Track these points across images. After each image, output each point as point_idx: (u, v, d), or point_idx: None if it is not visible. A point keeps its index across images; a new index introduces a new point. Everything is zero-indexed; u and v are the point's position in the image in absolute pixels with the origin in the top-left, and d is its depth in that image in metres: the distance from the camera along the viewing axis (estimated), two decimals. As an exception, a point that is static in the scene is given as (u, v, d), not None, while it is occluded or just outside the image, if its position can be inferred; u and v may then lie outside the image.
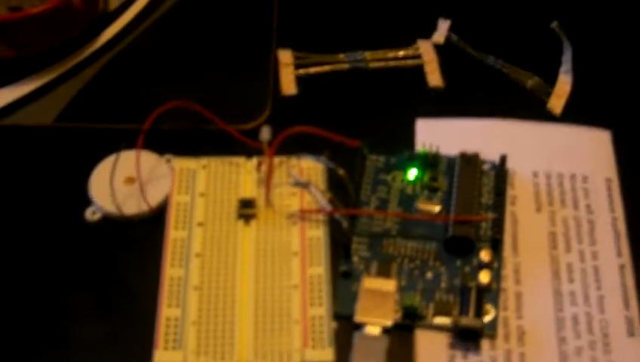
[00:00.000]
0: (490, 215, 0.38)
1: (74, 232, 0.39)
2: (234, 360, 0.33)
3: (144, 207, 0.38)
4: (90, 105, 0.43)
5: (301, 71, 0.44)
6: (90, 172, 0.40)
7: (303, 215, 0.37)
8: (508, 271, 0.37)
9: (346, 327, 0.34)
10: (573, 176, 0.40)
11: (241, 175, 0.39)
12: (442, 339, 0.35)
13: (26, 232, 0.39)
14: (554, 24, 0.46)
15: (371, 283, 0.35)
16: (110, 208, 0.38)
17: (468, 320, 0.34)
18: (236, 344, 0.33)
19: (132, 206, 0.39)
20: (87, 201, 0.39)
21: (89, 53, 0.45)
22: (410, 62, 0.45)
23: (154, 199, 0.39)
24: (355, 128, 0.41)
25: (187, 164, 0.39)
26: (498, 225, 0.37)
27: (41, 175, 0.41)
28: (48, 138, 0.42)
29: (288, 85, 0.44)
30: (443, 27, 0.46)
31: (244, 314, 0.34)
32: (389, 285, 0.35)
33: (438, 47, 0.46)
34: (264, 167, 0.38)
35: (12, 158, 0.41)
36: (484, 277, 0.36)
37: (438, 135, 0.41)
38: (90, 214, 0.39)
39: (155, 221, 0.38)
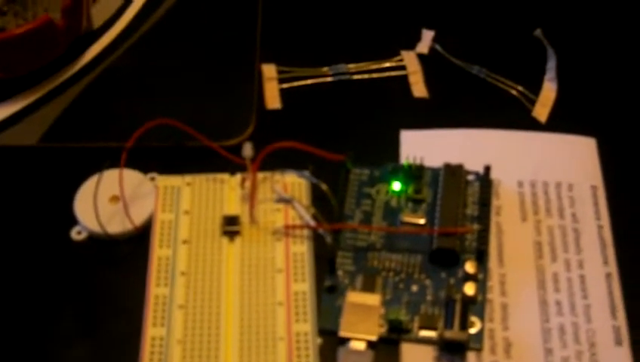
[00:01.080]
0: (476, 226, 0.38)
1: (60, 252, 0.39)
2: (219, 379, 0.33)
3: (129, 226, 0.38)
4: (74, 125, 0.43)
5: (285, 85, 0.44)
6: (76, 191, 0.40)
7: (287, 231, 0.37)
8: (493, 282, 0.37)
9: (331, 342, 0.34)
10: (558, 185, 0.40)
11: (225, 191, 0.39)
12: (428, 352, 0.35)
13: (11, 252, 0.39)
14: (537, 32, 0.46)
15: (356, 298, 0.35)
16: (95, 227, 0.38)
17: (453, 333, 0.34)
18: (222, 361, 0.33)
19: (117, 225, 0.39)
20: (73, 220, 0.39)
21: (73, 72, 0.45)
22: (394, 73, 0.45)
23: (138, 218, 0.39)
24: (339, 140, 0.42)
25: (171, 181, 0.39)
26: (483, 236, 0.37)
27: (26, 195, 0.41)
28: (33, 158, 0.42)
29: (273, 99, 0.44)
30: (427, 37, 0.46)
31: (230, 331, 0.34)
32: (374, 299, 0.35)
33: (422, 58, 0.46)
34: (248, 184, 0.38)
35: (-3, 179, 0.42)
36: (470, 289, 0.36)
37: (423, 146, 0.41)
38: (76, 234, 0.39)
39: (140, 239, 0.38)
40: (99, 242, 0.39)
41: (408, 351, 0.35)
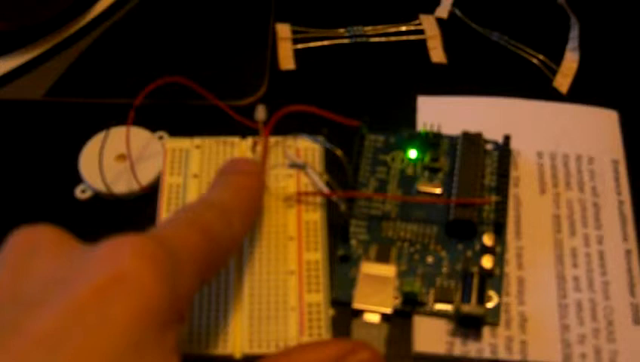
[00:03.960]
0: (494, 197, 0.37)
1: (63, 210, 0.38)
2: (228, 350, 0.32)
3: (135, 186, 0.37)
4: (81, 80, 0.42)
5: (300, 45, 0.43)
6: (81, 148, 0.38)
7: (299, 198, 0.36)
8: (510, 255, 0.36)
9: (343, 314, 0.33)
10: (578, 157, 0.39)
11: (235, 155, 0.37)
12: (441, 326, 0.34)
13: (14, 209, 0.38)
14: (561, 0, 0.45)
15: (370, 269, 0.34)
16: (100, 186, 0.37)
17: (470, 308, 0.33)
18: (230, 332, 0.32)
19: (123, 184, 0.38)
20: (77, 179, 0.38)
21: (80, 25, 0.43)
22: (412, 37, 0.44)
23: (145, 178, 0.37)
24: (354, 104, 0.40)
25: (180, 143, 0.38)
26: (502, 208, 0.36)
27: (30, 150, 0.40)
28: (38, 112, 0.41)
29: (286, 60, 0.43)
30: (446, 1, 0.45)
31: (239, 301, 0.33)
32: (389, 270, 0.34)
33: (441, 22, 0.44)
34: (259, 148, 0.37)
35: (1, 133, 0.40)
36: (487, 262, 0.35)
37: (440, 113, 0.40)
38: (80, 192, 0.38)
39: (146, 200, 0.37)
40: (104, 201, 0.38)
41: (421, 324, 0.34)
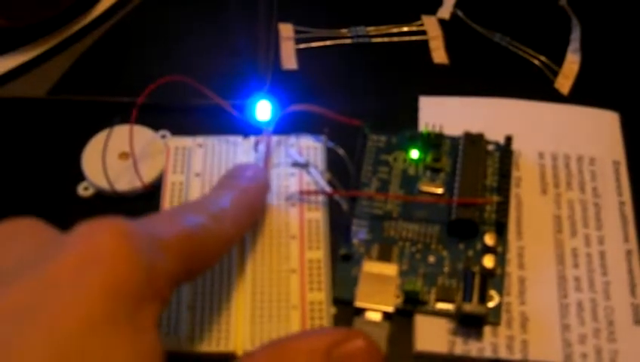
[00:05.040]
0: (495, 197, 0.37)
1: (65, 208, 0.38)
2: (230, 347, 0.32)
3: (137, 184, 0.37)
4: (84, 78, 0.42)
5: (302, 45, 0.43)
6: (84, 146, 0.39)
7: (301, 196, 0.36)
8: (511, 255, 0.36)
9: (345, 313, 0.33)
10: (580, 158, 0.39)
11: (238, 155, 0.37)
12: (443, 325, 0.34)
13: (16, 206, 0.38)
14: (562, 1, 0.45)
15: (372, 267, 0.34)
16: (103, 184, 0.37)
17: (472, 307, 0.33)
18: (232, 330, 0.32)
19: (125, 182, 0.38)
20: (80, 176, 0.38)
21: (84, 24, 0.43)
22: (414, 37, 0.44)
23: (148, 176, 0.38)
24: (356, 105, 0.41)
25: (182, 142, 0.38)
26: (503, 208, 0.36)
27: (33, 148, 0.40)
28: (41, 110, 0.41)
29: (289, 59, 0.43)
30: (448, 2, 0.45)
31: (241, 299, 0.33)
32: (391, 269, 0.34)
33: (443, 23, 0.45)
34: (262, 147, 0.37)
35: (4, 131, 0.40)
36: (489, 261, 0.35)
37: (442, 113, 0.40)
38: (83, 190, 0.38)
39: (148, 198, 0.37)
40: (106, 199, 0.38)
41: (422, 323, 0.34)
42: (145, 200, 0.38)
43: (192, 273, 0.27)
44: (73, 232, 0.24)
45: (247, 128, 0.38)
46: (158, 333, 0.24)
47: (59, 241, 0.24)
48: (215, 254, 0.29)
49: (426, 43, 0.44)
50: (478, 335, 0.34)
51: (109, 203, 0.38)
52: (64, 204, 0.38)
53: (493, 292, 0.34)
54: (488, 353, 0.33)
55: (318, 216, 0.36)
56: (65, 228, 0.36)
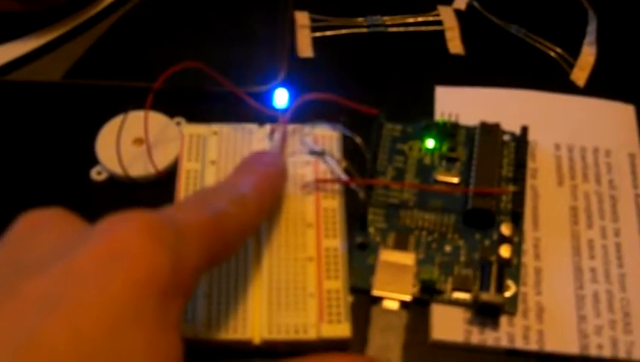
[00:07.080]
0: (511, 187, 0.37)
1: (78, 191, 0.38)
2: (247, 335, 0.32)
3: (151, 170, 0.37)
4: (100, 63, 0.41)
5: (318, 34, 0.43)
6: (98, 130, 0.38)
7: (317, 185, 0.36)
8: (527, 245, 0.36)
9: (362, 301, 0.33)
10: (596, 150, 0.39)
11: (253, 143, 0.37)
12: (459, 314, 0.34)
13: (29, 189, 0.38)
14: (579, -7, 0.44)
15: (389, 256, 0.34)
16: (116, 169, 0.37)
17: (489, 296, 0.33)
18: (249, 318, 0.32)
19: (139, 168, 0.37)
20: (93, 160, 0.38)
21: (100, 8, 0.43)
22: (430, 28, 0.44)
23: (162, 162, 0.37)
24: (372, 94, 0.40)
25: (197, 130, 0.37)
26: (519, 198, 0.36)
27: (48, 132, 0.40)
28: (56, 94, 0.41)
29: (304, 47, 0.43)
30: (464, -7, 0.45)
31: (258, 287, 0.33)
32: (408, 258, 0.34)
33: (459, 14, 0.44)
34: (277, 135, 0.37)
35: (19, 114, 0.40)
36: (505, 251, 0.35)
37: (458, 103, 0.40)
38: (96, 174, 0.38)
39: (162, 185, 0.37)
40: (119, 184, 0.38)
41: (439, 312, 0.34)
42: (158, 187, 0.37)
43: (214, 261, 0.27)
44: (100, 225, 0.24)
45: (262, 116, 0.38)
46: (181, 330, 0.24)
47: (85, 233, 0.24)
48: (238, 240, 0.29)
49: (441, 33, 0.44)
50: (495, 324, 0.33)
51: (122, 188, 0.38)
52: (76, 187, 0.38)
53: (510, 282, 0.34)
54: (504, 343, 0.33)
55: (334, 204, 0.35)
56: (77, 212, 0.36)
